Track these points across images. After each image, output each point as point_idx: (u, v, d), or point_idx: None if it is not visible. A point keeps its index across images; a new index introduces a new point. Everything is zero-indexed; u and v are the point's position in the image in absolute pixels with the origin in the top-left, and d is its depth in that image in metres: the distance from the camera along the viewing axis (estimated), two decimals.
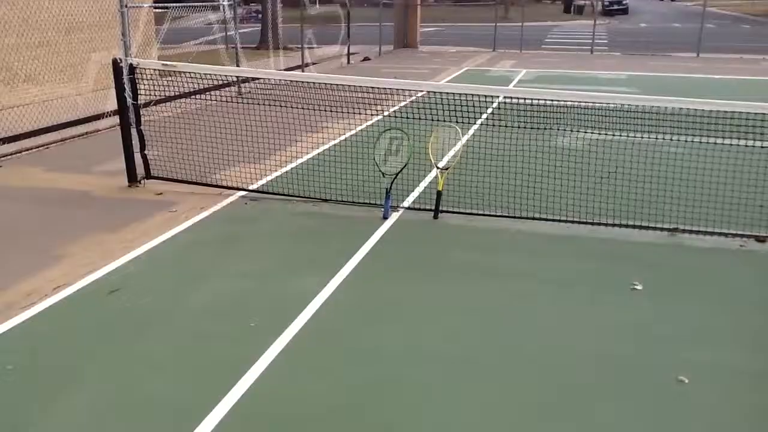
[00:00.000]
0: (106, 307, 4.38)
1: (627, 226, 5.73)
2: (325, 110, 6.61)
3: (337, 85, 6.65)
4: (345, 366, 3.71)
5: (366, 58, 19.97)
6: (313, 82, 7.13)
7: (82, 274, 4.84)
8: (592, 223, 5.79)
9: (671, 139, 5.77)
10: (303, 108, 6.74)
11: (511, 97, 6.21)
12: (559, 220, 5.87)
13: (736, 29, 32.85)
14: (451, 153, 6.51)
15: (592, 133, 6.23)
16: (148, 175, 7.01)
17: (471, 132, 7.86)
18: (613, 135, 5.99)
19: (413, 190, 6.64)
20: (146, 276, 4.87)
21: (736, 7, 47.76)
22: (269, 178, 7.16)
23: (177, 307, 4.41)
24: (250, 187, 6.80)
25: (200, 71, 6.88)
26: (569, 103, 6.18)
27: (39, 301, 4.43)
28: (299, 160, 7.78)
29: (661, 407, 3.34)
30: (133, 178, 6.97)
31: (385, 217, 5.93)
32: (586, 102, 6.05)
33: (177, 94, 7.55)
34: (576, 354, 3.82)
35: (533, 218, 5.92)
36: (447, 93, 6.25)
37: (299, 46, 17.23)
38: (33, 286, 4.66)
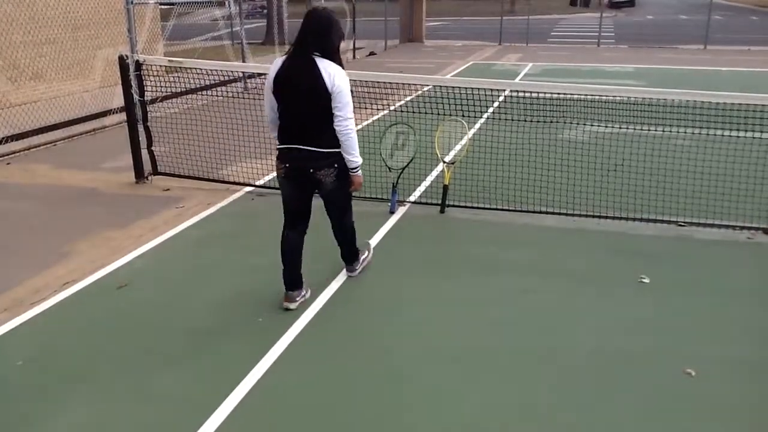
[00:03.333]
0: (115, 303, 4.41)
1: (634, 219, 5.72)
2: None
3: None
4: (354, 361, 3.72)
5: (372, 53, 19.95)
6: None
7: (91, 271, 4.87)
8: (599, 217, 5.78)
9: (678, 132, 5.75)
10: None
11: (518, 91, 6.20)
12: (566, 214, 5.86)
13: (743, 21, 32.64)
14: (458, 147, 6.50)
15: (599, 126, 6.22)
16: (156, 172, 7.04)
17: (477, 126, 7.85)
18: (620, 128, 5.97)
19: (420, 185, 6.65)
20: (154, 272, 4.89)
21: None
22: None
23: (185, 302, 4.43)
24: (257, 183, 6.82)
25: (206, 67, 6.89)
26: (576, 96, 6.16)
27: (48, 298, 4.46)
28: None
29: (668, 400, 3.33)
30: (140, 175, 6.99)
31: (392, 212, 5.93)
32: (592, 95, 6.03)
33: (183, 90, 7.57)
34: (582, 347, 3.82)
35: (540, 212, 5.92)
36: (453, 87, 6.25)
37: None
38: (42, 283, 4.69)
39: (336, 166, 3.98)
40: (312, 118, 3.87)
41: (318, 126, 3.88)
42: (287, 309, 4.19)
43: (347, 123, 3.87)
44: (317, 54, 3.81)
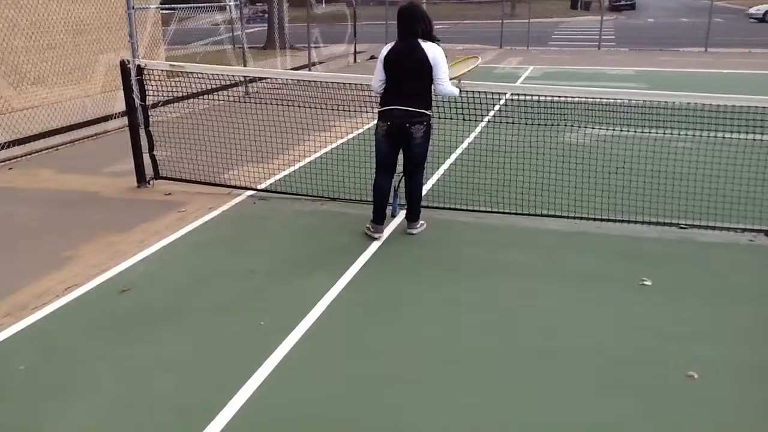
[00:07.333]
0: (117, 307, 4.41)
1: (635, 221, 5.72)
2: (333, 109, 6.63)
3: (344, 83, 6.66)
4: (354, 365, 3.72)
5: (373, 57, 19.97)
6: (320, 81, 7.14)
7: (93, 275, 4.88)
8: (601, 219, 5.78)
9: (679, 134, 5.75)
10: (310, 107, 6.76)
11: (519, 94, 6.20)
12: (567, 217, 5.86)
13: (744, 23, 32.64)
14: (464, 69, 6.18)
15: (600, 129, 6.22)
16: (157, 176, 7.05)
17: (478, 129, 7.86)
18: (621, 131, 5.98)
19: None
20: (156, 276, 4.90)
21: (745, 1, 47.46)
22: (277, 177, 7.18)
23: (187, 306, 4.44)
24: (259, 187, 6.82)
25: (207, 71, 6.91)
26: (577, 99, 6.16)
27: (50, 302, 4.46)
28: (307, 159, 7.80)
29: (671, 403, 3.33)
30: (142, 179, 7.01)
31: (394, 215, 5.93)
32: (593, 98, 6.03)
33: (185, 94, 7.58)
34: (584, 350, 3.82)
35: (541, 215, 5.92)
36: None
37: (306, 45, 17.25)
38: (44, 287, 4.69)
39: (425, 123, 5.12)
40: (412, 85, 5.06)
41: (415, 92, 5.06)
42: (377, 239, 5.40)
43: (446, 83, 5.13)
44: (418, 37, 5.01)
